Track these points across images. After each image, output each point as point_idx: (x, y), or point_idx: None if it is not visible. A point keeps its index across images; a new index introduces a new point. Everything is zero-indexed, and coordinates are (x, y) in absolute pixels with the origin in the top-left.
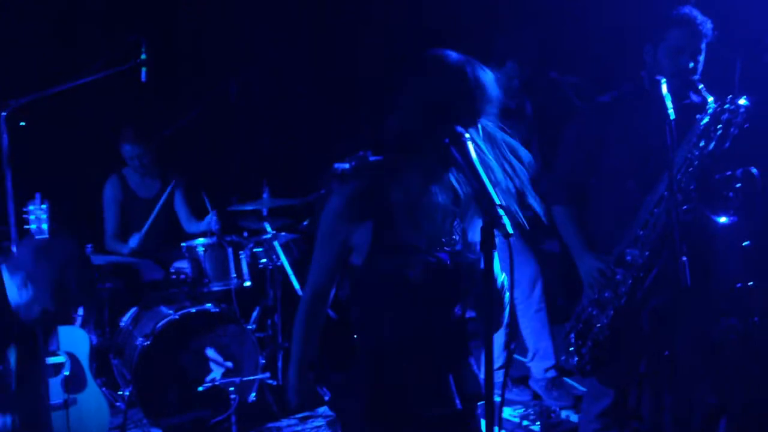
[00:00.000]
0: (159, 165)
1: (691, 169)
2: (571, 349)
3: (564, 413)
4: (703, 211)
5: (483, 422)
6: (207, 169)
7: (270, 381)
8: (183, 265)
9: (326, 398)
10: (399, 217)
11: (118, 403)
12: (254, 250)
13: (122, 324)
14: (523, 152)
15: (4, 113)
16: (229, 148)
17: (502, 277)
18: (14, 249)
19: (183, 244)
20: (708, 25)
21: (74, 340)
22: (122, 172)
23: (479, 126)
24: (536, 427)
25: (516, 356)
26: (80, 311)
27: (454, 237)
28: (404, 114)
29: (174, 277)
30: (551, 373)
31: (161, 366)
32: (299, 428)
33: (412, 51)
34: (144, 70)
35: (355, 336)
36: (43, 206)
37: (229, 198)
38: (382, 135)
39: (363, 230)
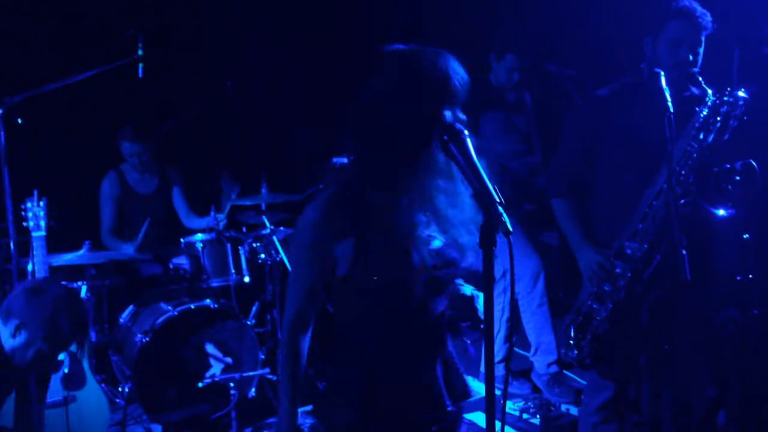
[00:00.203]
0: (157, 161)
1: (690, 161)
2: (571, 342)
3: (564, 406)
4: (702, 204)
5: (483, 417)
6: (205, 165)
7: (270, 376)
8: (182, 261)
9: (310, 408)
10: (379, 221)
11: (117, 400)
12: (253, 245)
13: (121, 320)
14: None
15: (0, 110)
16: (227, 143)
17: (469, 290)
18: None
19: (182, 240)
20: (707, 18)
21: None
22: (121, 168)
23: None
24: (536, 420)
25: (517, 350)
26: (72, 347)
27: (433, 235)
28: (375, 112)
29: (173, 273)
30: (554, 368)
31: (161, 362)
32: (300, 422)
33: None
34: (141, 65)
35: (340, 349)
36: (41, 203)
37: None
38: (354, 136)
39: (345, 242)
